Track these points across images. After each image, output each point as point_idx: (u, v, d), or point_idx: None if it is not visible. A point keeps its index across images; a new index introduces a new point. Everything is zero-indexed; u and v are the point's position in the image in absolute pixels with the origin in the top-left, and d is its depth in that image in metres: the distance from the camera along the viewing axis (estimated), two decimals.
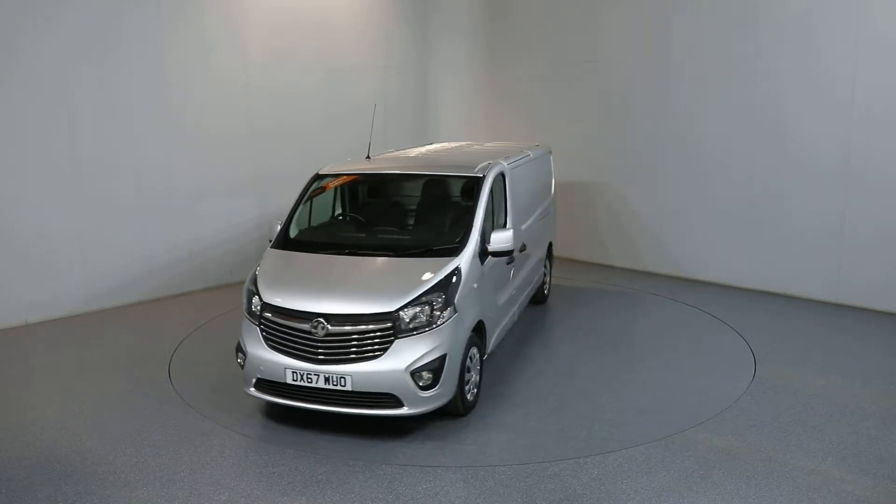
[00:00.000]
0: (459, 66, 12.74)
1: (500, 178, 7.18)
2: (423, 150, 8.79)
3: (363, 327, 5.55)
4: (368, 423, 6.05)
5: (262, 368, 5.81)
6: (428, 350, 5.53)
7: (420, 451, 5.60)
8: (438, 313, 5.64)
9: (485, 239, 6.33)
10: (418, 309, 5.60)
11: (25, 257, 8.57)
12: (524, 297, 8.00)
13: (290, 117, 10.79)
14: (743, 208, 9.80)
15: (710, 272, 10.29)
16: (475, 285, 6.09)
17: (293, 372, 5.64)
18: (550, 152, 9.70)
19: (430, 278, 5.79)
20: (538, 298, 9.14)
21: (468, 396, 6.08)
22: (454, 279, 5.85)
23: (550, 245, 9.46)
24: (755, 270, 9.81)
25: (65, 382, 6.98)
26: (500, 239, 6.29)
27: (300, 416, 6.14)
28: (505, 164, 7.36)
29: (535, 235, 8.37)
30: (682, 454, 5.49)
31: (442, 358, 5.58)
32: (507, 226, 7.09)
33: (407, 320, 5.56)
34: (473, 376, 6.17)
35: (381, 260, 6.20)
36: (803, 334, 8.15)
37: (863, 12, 8.51)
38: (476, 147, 9.05)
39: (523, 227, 7.64)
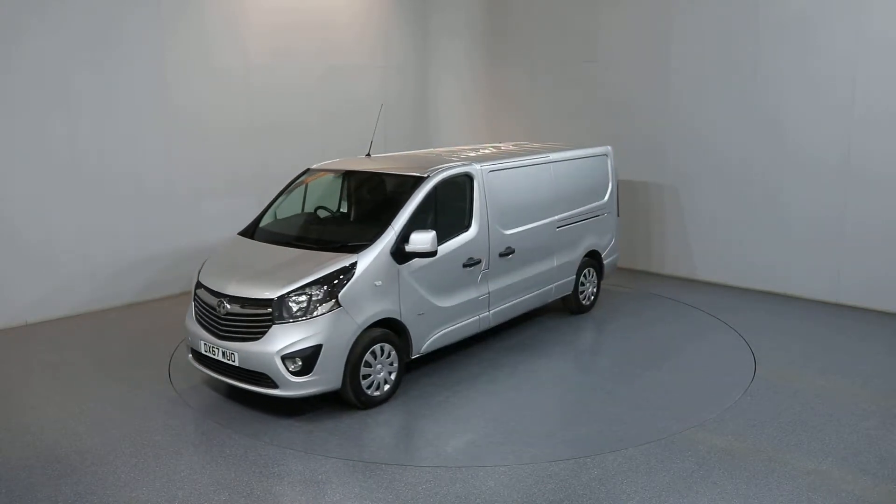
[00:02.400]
0: (459, 66, 12.74)
1: (464, 180, 7.14)
2: (438, 149, 8.85)
3: (250, 310, 6.04)
4: (368, 425, 6.06)
5: (189, 339, 6.60)
6: (301, 338, 5.85)
7: (421, 452, 5.61)
8: (316, 305, 5.89)
9: (406, 238, 6.38)
10: (299, 298, 5.92)
11: (25, 257, 8.57)
12: (517, 303, 7.75)
13: (291, 117, 10.80)
14: (743, 208, 9.80)
15: (710, 272, 10.30)
16: (379, 283, 6.21)
17: (204, 343, 6.31)
18: (607, 154, 9.18)
19: (316, 271, 6.03)
20: (572, 307, 8.79)
21: (370, 391, 6.25)
22: (345, 274, 6.05)
23: (596, 253, 8.95)
24: (755, 270, 9.81)
25: (65, 382, 6.98)
26: (419, 240, 6.32)
27: (300, 417, 6.15)
28: (477, 166, 7.25)
29: (547, 241, 8.07)
30: (682, 454, 5.49)
31: (316, 347, 5.86)
32: (471, 228, 7.07)
33: (287, 308, 5.92)
34: (381, 373, 6.32)
35: (299, 251, 6.54)
36: (803, 334, 8.15)
37: (862, 12, 8.51)
38: (510, 147, 8.84)
39: (509, 231, 7.48)
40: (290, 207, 7.60)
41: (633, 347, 7.89)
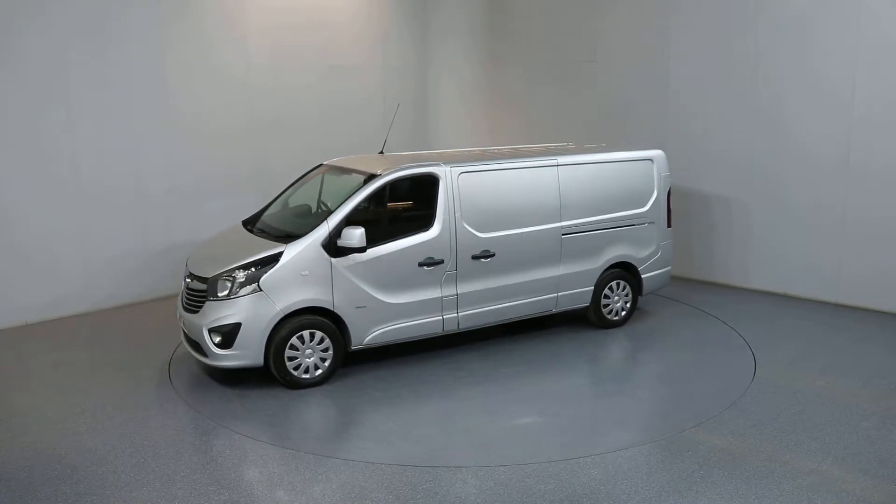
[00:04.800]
0: (459, 66, 12.74)
1: (428, 180, 7.15)
2: (459, 150, 8.99)
3: (197, 286, 6.79)
4: (369, 426, 6.05)
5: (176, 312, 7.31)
6: (222, 315, 6.48)
7: (422, 454, 5.61)
8: (239, 287, 6.50)
9: (339, 234, 6.68)
10: (225, 280, 6.57)
11: (25, 257, 8.56)
12: (500, 308, 7.52)
13: (291, 116, 10.80)
14: (743, 208, 9.81)
15: (710, 272, 10.29)
16: (306, 273, 6.59)
17: (178, 314, 7.10)
18: (652, 160, 8.40)
19: (245, 257, 6.63)
20: (593, 321, 8.26)
21: (297, 373, 6.65)
22: (270, 262, 6.57)
23: (627, 264, 8.30)
24: (755, 270, 9.82)
25: (65, 382, 6.98)
26: (349, 235, 6.65)
27: (300, 417, 6.15)
28: (446, 168, 7.19)
29: (547, 247, 7.71)
30: (682, 454, 5.49)
31: (235, 325, 6.44)
32: (432, 228, 7.06)
33: (216, 287, 6.59)
34: (313, 357, 6.70)
35: (255, 240, 7.10)
36: (803, 334, 8.16)
37: (863, 12, 8.51)
38: (533, 147, 8.73)
39: (487, 234, 7.30)
40: (294, 199, 7.98)
41: (633, 347, 7.89)
